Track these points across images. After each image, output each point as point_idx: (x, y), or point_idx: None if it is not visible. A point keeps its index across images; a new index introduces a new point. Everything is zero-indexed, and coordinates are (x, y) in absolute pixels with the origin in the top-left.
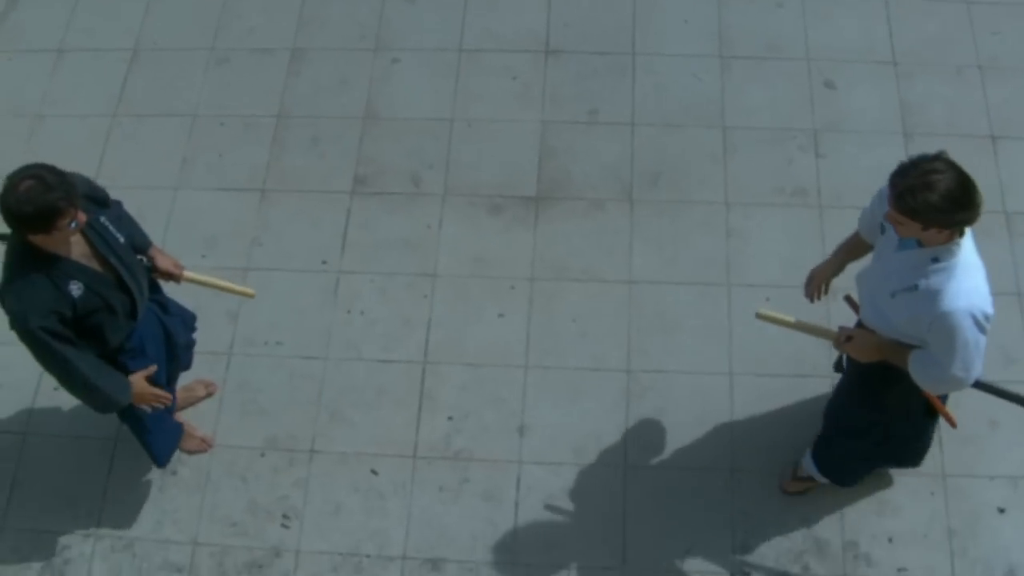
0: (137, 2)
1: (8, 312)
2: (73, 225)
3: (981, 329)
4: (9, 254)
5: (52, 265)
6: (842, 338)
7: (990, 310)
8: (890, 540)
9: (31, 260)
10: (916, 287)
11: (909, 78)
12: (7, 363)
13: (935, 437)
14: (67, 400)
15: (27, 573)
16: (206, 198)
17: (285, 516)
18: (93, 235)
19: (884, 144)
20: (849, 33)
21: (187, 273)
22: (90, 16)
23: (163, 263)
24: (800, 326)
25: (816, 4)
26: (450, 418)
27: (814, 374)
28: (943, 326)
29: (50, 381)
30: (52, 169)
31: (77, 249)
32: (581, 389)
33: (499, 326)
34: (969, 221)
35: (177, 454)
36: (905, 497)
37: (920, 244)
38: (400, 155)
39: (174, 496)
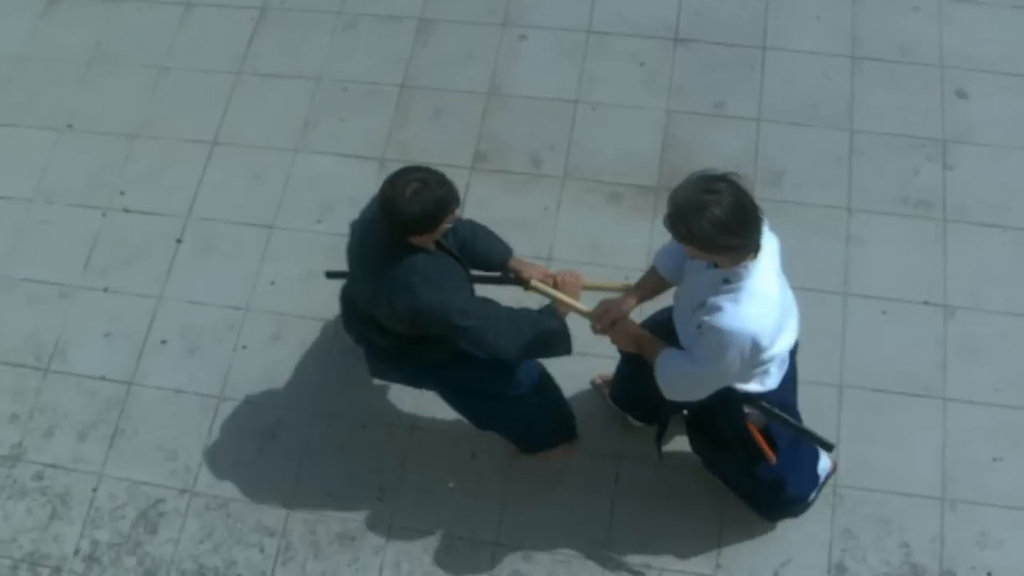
0: None
1: (425, 310)
2: (450, 224)
3: (744, 355)
4: (383, 264)
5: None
6: (605, 320)
7: (765, 343)
8: (989, 574)
9: (412, 253)
10: (704, 303)
11: None
12: (118, 312)
13: None
14: (173, 354)
15: (121, 523)
16: (325, 163)
17: (381, 490)
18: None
19: (1015, 159)
20: (985, 42)
21: (536, 283)
22: None
23: (531, 272)
24: (563, 302)
25: (953, 9)
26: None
27: (925, 394)
28: (712, 338)
29: (158, 333)
30: (428, 170)
31: None
32: None
33: None
34: (746, 247)
35: (287, 415)
36: (1009, 530)
37: (716, 264)
38: (522, 134)
39: (272, 460)
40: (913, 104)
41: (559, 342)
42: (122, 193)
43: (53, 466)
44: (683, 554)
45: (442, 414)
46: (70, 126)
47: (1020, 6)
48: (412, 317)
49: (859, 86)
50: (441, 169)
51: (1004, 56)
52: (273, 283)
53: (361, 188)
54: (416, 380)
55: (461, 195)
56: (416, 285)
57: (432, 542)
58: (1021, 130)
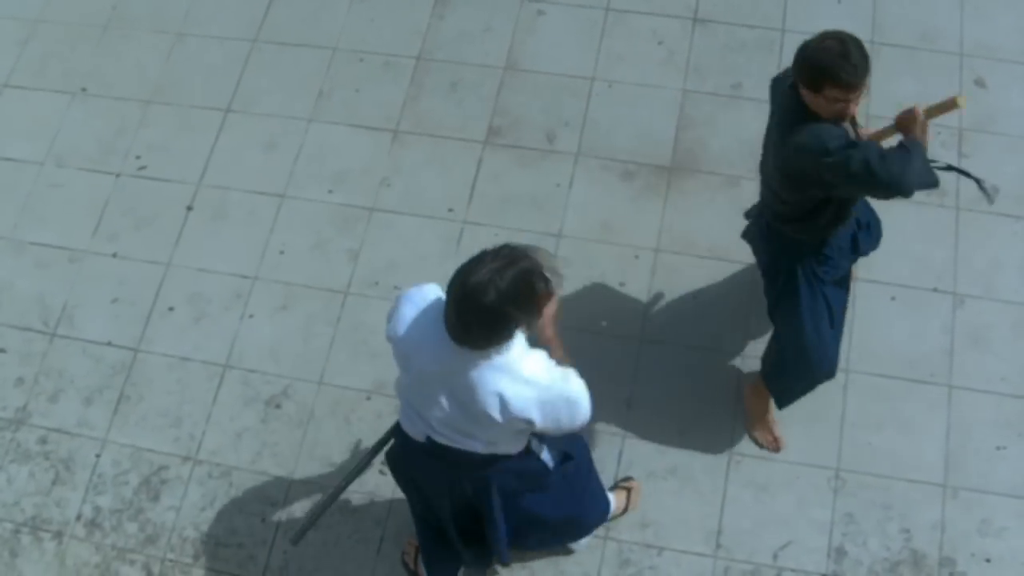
0: None
1: (804, 148)
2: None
3: None
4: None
5: None
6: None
7: None
8: (988, 560)
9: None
10: None
11: None
12: (126, 278)
13: None
14: (180, 321)
15: (124, 489)
16: (339, 133)
17: (383, 463)
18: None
19: None
20: (1007, 31)
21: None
22: None
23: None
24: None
25: None
26: None
27: (932, 381)
28: None
29: (165, 300)
30: (859, 44)
31: None
32: (694, 368)
33: (618, 295)
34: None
35: (292, 385)
36: (1011, 519)
37: None
38: (537, 110)
39: (276, 429)
40: (932, 92)
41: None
42: (138, 157)
43: (57, 431)
44: (684, 534)
45: None
46: (84, 90)
47: None
48: (795, 151)
49: (877, 72)
50: (455, 143)
51: None
52: (282, 252)
53: (374, 159)
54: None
55: (474, 169)
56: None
57: None
58: None
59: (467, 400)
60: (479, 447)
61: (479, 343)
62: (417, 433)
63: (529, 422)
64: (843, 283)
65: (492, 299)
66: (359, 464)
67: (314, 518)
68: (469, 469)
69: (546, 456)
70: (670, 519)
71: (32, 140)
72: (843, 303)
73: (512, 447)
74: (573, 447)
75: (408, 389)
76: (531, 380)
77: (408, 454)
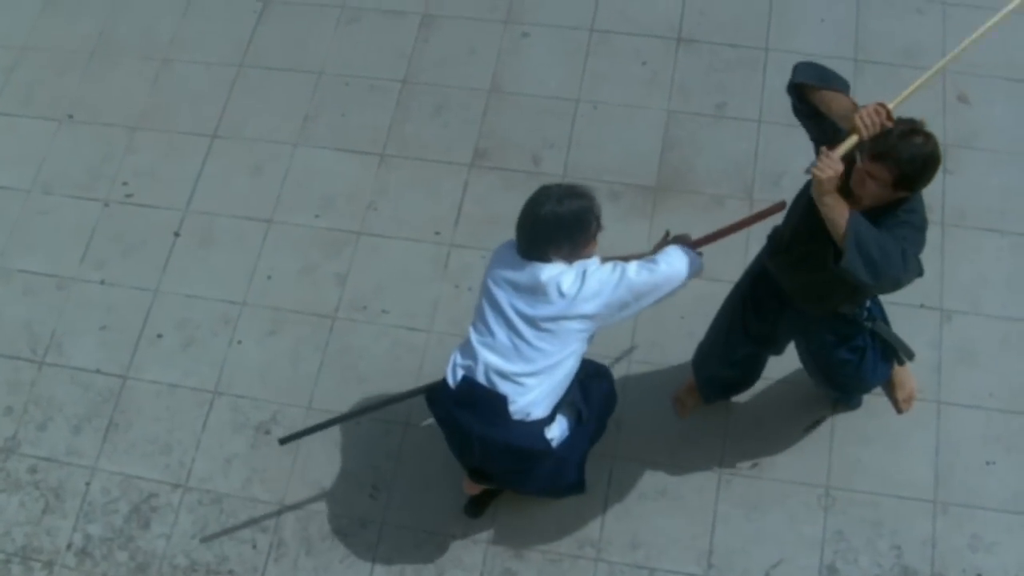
0: None
1: None
2: None
3: None
4: None
5: None
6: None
7: None
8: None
9: None
10: None
11: None
12: (114, 305)
13: None
14: (169, 348)
15: (114, 517)
16: (325, 157)
17: (374, 487)
18: None
19: (1015, 165)
20: (989, 47)
21: None
22: None
23: None
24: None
25: (957, 13)
26: None
27: (920, 397)
28: None
29: (154, 327)
30: None
31: None
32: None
33: None
34: None
35: (282, 410)
36: (1001, 534)
37: None
38: (522, 132)
39: (266, 455)
40: (915, 108)
41: None
42: (125, 183)
43: (47, 459)
44: (675, 554)
45: None
46: (70, 117)
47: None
48: None
49: (861, 89)
50: (441, 166)
51: (1007, 61)
52: (270, 277)
53: (360, 183)
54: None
55: (460, 191)
56: None
57: (425, 540)
58: (1022, 136)
59: (531, 296)
60: (513, 391)
61: (532, 252)
62: (456, 377)
63: (591, 298)
64: (768, 335)
65: (545, 211)
66: (378, 403)
67: (313, 430)
68: (482, 427)
69: (555, 431)
70: (661, 539)
71: (19, 167)
72: (753, 350)
73: (539, 402)
74: (592, 412)
75: (480, 314)
76: (583, 265)
77: (441, 401)
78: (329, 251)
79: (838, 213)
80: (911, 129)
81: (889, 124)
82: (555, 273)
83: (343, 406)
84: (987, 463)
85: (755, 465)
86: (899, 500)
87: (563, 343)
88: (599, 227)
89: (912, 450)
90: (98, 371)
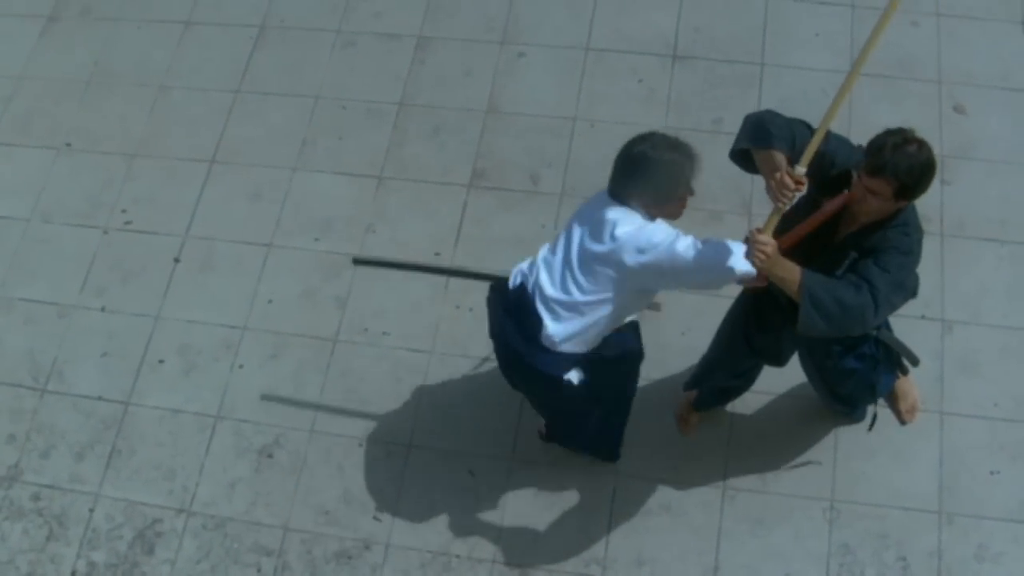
0: None
1: None
2: None
3: None
4: None
5: None
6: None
7: None
8: None
9: None
10: None
11: None
12: (115, 332)
13: None
14: (171, 373)
15: (118, 543)
16: (324, 181)
17: (378, 508)
18: None
19: (1013, 174)
20: (984, 58)
21: None
22: None
23: None
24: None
25: (952, 25)
26: None
27: (923, 408)
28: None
29: (155, 353)
30: None
31: None
32: None
33: None
34: None
35: (284, 434)
36: (1007, 544)
37: None
38: (520, 151)
39: (269, 479)
40: (911, 120)
41: None
42: (124, 211)
43: (50, 487)
44: (680, 570)
45: (439, 432)
46: (69, 145)
47: (1017, 21)
48: None
49: (857, 102)
50: (439, 187)
51: (1002, 72)
52: (271, 301)
53: (359, 206)
54: None
55: (459, 212)
56: None
57: (430, 561)
58: (1019, 145)
59: (593, 231)
60: (547, 316)
61: (615, 190)
62: (515, 281)
63: (635, 252)
64: (772, 348)
65: (637, 152)
66: (456, 270)
67: (391, 265)
68: (517, 341)
69: (575, 376)
70: (667, 556)
71: (18, 196)
72: (757, 362)
73: (567, 336)
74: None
75: (557, 235)
76: (651, 222)
77: (496, 301)
78: (329, 274)
79: (790, 279)
80: (903, 139)
81: (801, 190)
82: (621, 217)
83: (346, 429)
84: (992, 473)
85: (759, 480)
86: (904, 512)
87: (599, 287)
88: (688, 191)
89: (916, 461)
90: (100, 398)
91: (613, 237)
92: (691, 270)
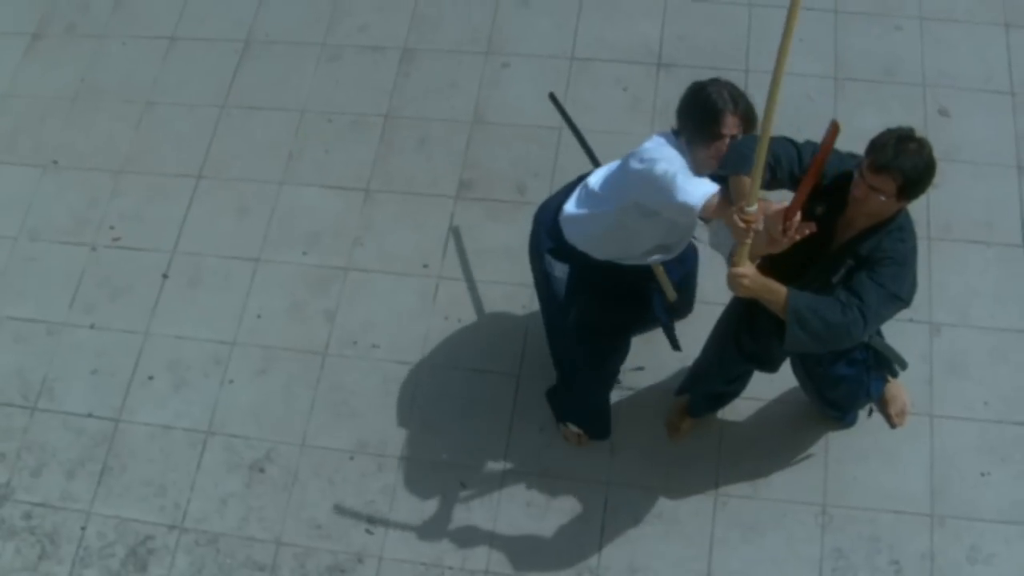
0: None
1: None
2: None
3: None
4: None
5: None
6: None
7: None
8: None
9: None
10: None
11: None
12: (104, 349)
13: None
14: (160, 389)
15: (111, 561)
16: (310, 194)
17: (370, 521)
18: None
19: (997, 176)
20: (967, 60)
21: None
22: (203, 5)
23: None
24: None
25: (935, 29)
26: (541, 430)
27: (913, 411)
28: None
29: (145, 369)
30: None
31: None
32: None
33: None
34: None
35: (275, 448)
36: (999, 545)
37: None
38: (506, 162)
39: (261, 494)
40: (896, 123)
41: None
42: (111, 227)
43: (42, 505)
44: None
45: (430, 444)
46: (55, 162)
47: (1000, 24)
48: None
49: (843, 107)
50: (426, 199)
51: (985, 74)
52: (259, 316)
53: (346, 219)
54: None
55: (447, 224)
56: None
57: (423, 573)
58: (1003, 147)
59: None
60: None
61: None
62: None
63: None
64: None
65: (697, 85)
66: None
67: (571, 124)
68: (542, 240)
69: (559, 271)
70: (659, 564)
71: (5, 215)
72: (750, 368)
73: (579, 222)
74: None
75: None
76: (668, 148)
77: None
78: (317, 288)
79: (775, 300)
80: (904, 136)
81: (758, 228)
82: (661, 142)
83: (337, 442)
84: (982, 474)
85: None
86: (896, 515)
87: (610, 189)
88: (721, 138)
89: (907, 464)
90: (90, 415)
91: (633, 152)
92: (667, 191)
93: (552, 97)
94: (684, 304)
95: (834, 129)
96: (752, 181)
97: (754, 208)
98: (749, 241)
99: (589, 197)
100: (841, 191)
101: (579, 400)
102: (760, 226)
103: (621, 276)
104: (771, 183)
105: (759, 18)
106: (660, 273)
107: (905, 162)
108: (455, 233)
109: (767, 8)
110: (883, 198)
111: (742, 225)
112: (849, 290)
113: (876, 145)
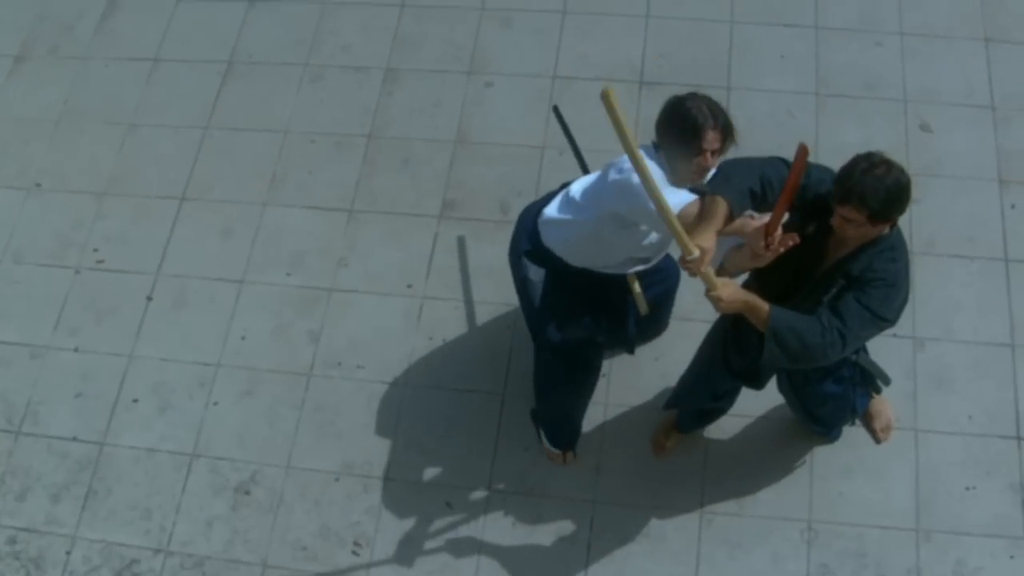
0: (233, 14)
1: None
2: None
3: None
4: None
5: None
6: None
7: None
8: None
9: None
10: None
11: (1007, 124)
12: (88, 372)
13: None
14: (145, 412)
15: None
16: (294, 215)
17: (356, 543)
18: None
19: (979, 191)
20: (947, 75)
21: None
22: (186, 27)
23: None
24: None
25: (915, 44)
26: (526, 449)
27: (898, 426)
28: None
29: (129, 392)
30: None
31: None
32: None
33: None
34: None
35: (260, 471)
36: (984, 559)
37: None
38: (490, 181)
39: (246, 516)
40: (878, 139)
41: None
42: (95, 250)
43: (26, 529)
44: None
45: (416, 464)
46: (38, 185)
47: (980, 38)
48: None
49: (824, 123)
50: (410, 219)
51: (966, 89)
52: (244, 338)
53: (330, 240)
54: None
55: (430, 243)
56: None
57: None
58: (985, 161)
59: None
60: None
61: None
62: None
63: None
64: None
65: (676, 98)
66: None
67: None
68: (521, 242)
69: (534, 274)
70: None
71: None
72: (736, 385)
73: (558, 226)
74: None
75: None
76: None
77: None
78: (302, 309)
79: (757, 318)
80: (871, 164)
81: (705, 271)
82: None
83: (322, 463)
84: (967, 488)
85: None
86: (882, 530)
87: (590, 197)
88: (701, 152)
89: (893, 479)
90: (75, 439)
91: (611, 163)
92: (644, 200)
93: (555, 110)
94: (655, 323)
95: (803, 152)
96: (700, 224)
97: (695, 255)
98: (705, 270)
99: (569, 204)
100: (831, 210)
101: (548, 407)
102: (705, 268)
103: (596, 285)
104: (763, 206)
105: (740, 35)
106: (634, 284)
107: (867, 189)
108: (459, 242)
109: (748, 26)
110: (856, 226)
111: (697, 267)
112: (833, 311)
113: (841, 176)
